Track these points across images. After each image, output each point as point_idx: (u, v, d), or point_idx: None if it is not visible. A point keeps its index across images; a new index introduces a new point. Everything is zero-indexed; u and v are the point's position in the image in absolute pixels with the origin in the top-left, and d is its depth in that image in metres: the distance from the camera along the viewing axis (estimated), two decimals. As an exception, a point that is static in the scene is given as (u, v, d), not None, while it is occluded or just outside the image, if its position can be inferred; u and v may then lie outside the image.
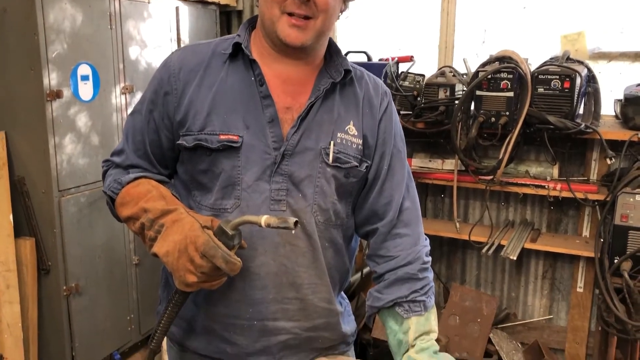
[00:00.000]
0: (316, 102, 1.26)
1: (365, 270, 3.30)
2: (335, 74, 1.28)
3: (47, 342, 2.58)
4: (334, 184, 1.29)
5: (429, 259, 1.39)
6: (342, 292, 1.50)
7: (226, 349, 1.34)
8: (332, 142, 1.27)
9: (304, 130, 1.26)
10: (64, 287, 2.53)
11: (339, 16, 1.28)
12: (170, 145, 1.31)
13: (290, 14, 1.17)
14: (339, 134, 1.28)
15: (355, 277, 3.28)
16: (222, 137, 1.23)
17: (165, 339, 1.48)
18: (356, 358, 1.51)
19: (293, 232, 1.15)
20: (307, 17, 1.17)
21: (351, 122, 1.30)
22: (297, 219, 1.11)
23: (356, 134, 1.31)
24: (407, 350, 1.30)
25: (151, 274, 2.98)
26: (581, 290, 3.00)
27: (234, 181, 1.25)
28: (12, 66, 2.41)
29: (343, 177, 1.30)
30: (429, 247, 1.41)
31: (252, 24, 1.31)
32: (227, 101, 1.25)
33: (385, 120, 1.34)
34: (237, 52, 1.27)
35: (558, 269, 3.16)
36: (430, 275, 1.38)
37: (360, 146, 1.31)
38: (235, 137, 1.23)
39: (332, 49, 1.31)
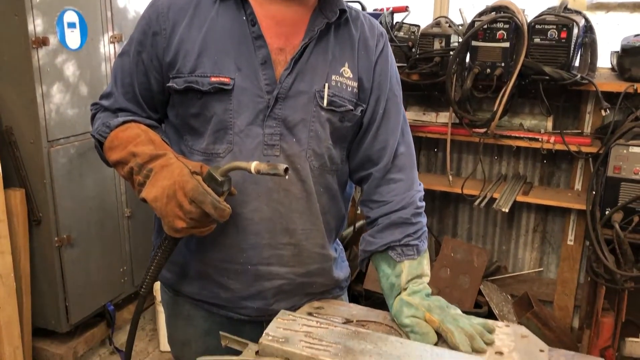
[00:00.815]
0: (310, 43, 1.23)
1: (358, 224, 3.31)
2: (329, 14, 1.24)
3: (40, 293, 2.59)
4: (329, 128, 1.27)
5: (423, 204, 1.38)
6: (338, 239, 1.50)
7: (220, 293, 1.34)
8: (326, 85, 1.24)
9: (297, 73, 1.23)
10: (56, 239, 2.52)
11: None
12: (160, 88, 1.28)
13: None
14: (333, 77, 1.25)
15: (348, 231, 3.30)
16: (213, 79, 1.20)
17: (160, 284, 1.49)
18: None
19: (286, 177, 1.13)
20: None
21: (346, 64, 1.27)
22: (287, 166, 1.09)
23: (351, 76, 1.28)
24: (400, 293, 1.30)
25: (144, 226, 2.97)
26: (572, 243, 3.02)
27: (226, 125, 1.22)
28: (-4, 12, 2.34)
29: (338, 121, 1.27)
30: (422, 192, 1.40)
31: None
32: (218, 42, 1.21)
33: (382, 63, 1.31)
34: None
35: (549, 222, 3.18)
36: (424, 220, 1.38)
37: (355, 89, 1.28)
38: (226, 80, 1.20)
39: None
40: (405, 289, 1.30)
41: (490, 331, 1.24)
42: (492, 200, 2.85)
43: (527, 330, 1.29)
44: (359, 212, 3.47)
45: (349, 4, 1.32)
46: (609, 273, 2.43)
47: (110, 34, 2.67)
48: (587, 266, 2.60)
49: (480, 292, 3.04)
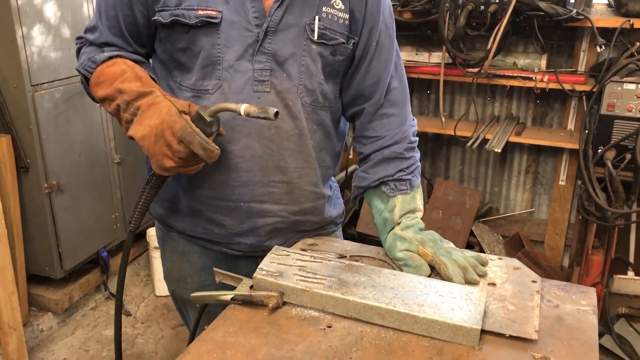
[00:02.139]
0: None
1: (350, 169, 3.30)
2: None
3: (32, 240, 2.58)
4: (320, 62, 1.23)
5: (416, 138, 1.37)
6: (333, 177, 1.48)
7: (214, 229, 1.33)
8: (317, 17, 1.20)
9: (287, 5, 1.18)
10: (45, 185, 2.50)
11: None
12: (146, 22, 1.23)
13: None
14: (324, 8, 1.21)
15: (340, 176, 3.29)
16: (200, 12, 1.16)
17: (155, 222, 1.48)
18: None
19: (275, 119, 1.10)
20: None
21: None
22: (277, 110, 1.07)
23: (342, 7, 1.23)
24: (393, 228, 1.30)
25: (134, 172, 2.95)
26: (563, 183, 3.03)
27: (214, 60, 1.19)
28: (-32, -51, 2.24)
29: (329, 54, 1.24)
30: (416, 127, 1.38)
31: None
32: None
33: None
34: None
35: (541, 163, 3.18)
36: (417, 155, 1.36)
37: (347, 21, 1.24)
38: (213, 12, 1.16)
39: None
40: (398, 224, 1.30)
41: (483, 264, 1.25)
42: (485, 141, 2.83)
43: (520, 262, 1.30)
44: (351, 156, 3.45)
45: None
46: (600, 211, 2.45)
47: (91, -28, 2.57)
48: (579, 205, 2.61)
49: (472, 233, 3.07)
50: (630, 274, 3.00)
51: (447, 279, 1.18)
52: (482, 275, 1.22)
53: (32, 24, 2.34)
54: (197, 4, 1.16)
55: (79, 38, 1.31)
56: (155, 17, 1.19)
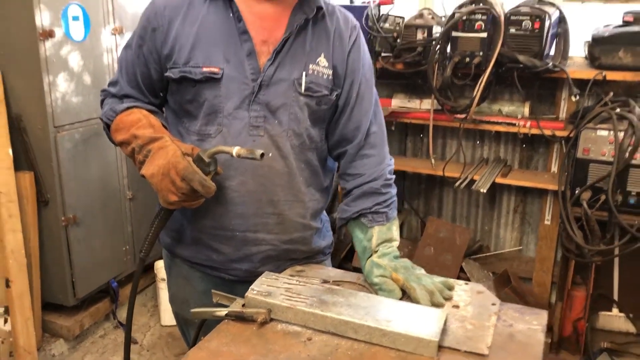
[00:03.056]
0: (290, 37, 1.40)
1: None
2: (308, 11, 1.41)
3: (49, 269, 2.78)
4: (307, 111, 1.44)
5: (392, 176, 1.56)
6: (324, 210, 1.66)
7: (213, 256, 1.52)
8: (304, 74, 1.41)
9: (279, 63, 1.39)
10: (62, 218, 2.70)
11: None
12: (159, 77, 1.45)
13: None
14: (310, 66, 1.42)
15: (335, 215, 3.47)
16: (204, 69, 1.37)
17: (163, 252, 1.67)
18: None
19: (262, 160, 1.30)
20: None
21: (322, 55, 1.44)
22: (263, 151, 1.28)
23: (327, 65, 1.44)
24: (371, 256, 1.48)
25: (144, 208, 3.15)
26: (548, 222, 3.20)
27: (216, 109, 1.40)
28: (5, 6, 2.50)
29: (315, 104, 1.45)
30: (392, 166, 1.57)
31: None
32: (209, 37, 1.38)
33: (354, 52, 1.48)
34: None
35: (528, 203, 3.36)
36: (393, 190, 1.55)
37: (330, 76, 1.45)
38: (216, 70, 1.37)
39: None
40: (376, 252, 1.48)
41: (450, 288, 1.42)
42: (473, 182, 3.02)
43: (483, 287, 1.47)
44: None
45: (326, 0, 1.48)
46: (578, 248, 2.61)
47: (112, 26, 2.84)
48: (560, 243, 2.77)
49: (462, 269, 3.22)
50: (615, 310, 3.14)
51: (415, 301, 1.35)
52: (448, 299, 1.39)
53: (58, 73, 2.59)
54: (202, 63, 1.37)
55: (103, 91, 1.54)
56: (167, 74, 1.41)
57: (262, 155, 1.28)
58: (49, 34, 2.51)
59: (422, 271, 1.46)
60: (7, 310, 2.54)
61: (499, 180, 3.03)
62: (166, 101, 1.51)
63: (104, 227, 2.95)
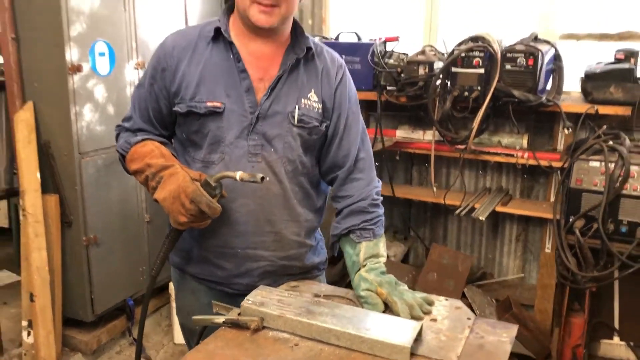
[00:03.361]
0: (283, 75, 1.58)
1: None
2: (299, 51, 1.59)
3: (70, 286, 2.96)
4: (299, 140, 1.61)
5: (379, 197, 1.71)
6: (319, 229, 1.82)
7: (217, 272, 1.68)
8: (297, 107, 1.59)
9: (274, 98, 1.57)
10: (84, 238, 2.90)
11: (300, 3, 1.58)
12: (168, 112, 1.64)
13: (259, 2, 1.47)
14: (302, 100, 1.60)
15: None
16: (208, 104, 1.55)
17: (171, 269, 1.83)
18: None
19: (262, 183, 1.47)
20: (272, 5, 1.47)
21: (312, 90, 1.61)
22: (263, 175, 1.45)
23: (317, 99, 1.62)
24: (359, 270, 1.62)
25: (161, 230, 3.33)
26: (549, 250, 3.28)
27: (219, 139, 1.58)
28: (39, 43, 2.75)
29: (307, 134, 1.62)
30: (379, 188, 1.73)
31: (230, 9, 1.62)
32: (212, 75, 1.57)
33: (341, 88, 1.66)
34: (218, 35, 1.58)
35: (530, 232, 3.46)
36: (380, 210, 1.70)
37: (320, 110, 1.62)
38: (219, 104, 1.55)
39: (298, 30, 1.62)
40: (364, 266, 1.62)
41: (430, 303, 1.55)
42: (474, 210, 3.14)
43: (462, 303, 1.60)
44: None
45: (314, 40, 1.67)
46: (572, 275, 2.71)
47: (135, 61, 3.07)
48: (557, 270, 2.87)
49: (464, 295, 3.32)
50: (616, 339, 3.20)
51: (396, 314, 1.49)
52: (427, 313, 1.52)
53: (84, 104, 2.82)
54: (206, 98, 1.55)
55: (117, 126, 1.72)
56: (175, 108, 1.59)
57: (263, 178, 1.45)
58: (77, 69, 2.74)
59: (405, 287, 1.59)
60: (30, 324, 2.72)
61: (499, 208, 3.15)
62: (174, 133, 1.69)
63: (122, 247, 3.13)
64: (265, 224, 1.63)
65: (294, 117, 1.58)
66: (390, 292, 1.53)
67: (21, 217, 2.76)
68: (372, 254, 1.63)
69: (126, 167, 1.66)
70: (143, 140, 1.62)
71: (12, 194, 3.05)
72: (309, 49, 1.60)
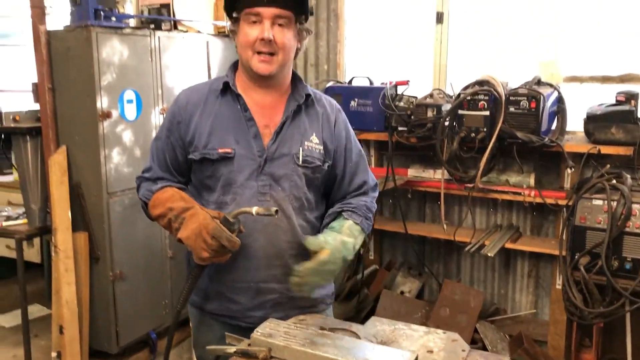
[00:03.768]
0: (287, 120, 1.75)
1: (367, 270, 3.74)
2: (299, 98, 1.77)
3: (96, 319, 3.13)
4: (304, 179, 1.77)
5: (372, 211, 1.86)
6: None
7: (232, 306, 1.81)
8: (300, 149, 1.75)
9: (279, 142, 1.74)
10: (111, 274, 3.07)
11: (297, 52, 1.76)
12: (184, 159, 1.80)
13: (259, 53, 1.65)
14: (305, 143, 1.76)
15: (359, 276, 3.72)
16: (220, 150, 1.72)
17: (188, 306, 1.97)
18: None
19: (277, 216, 1.62)
20: (271, 54, 1.65)
21: (314, 134, 1.78)
22: (277, 208, 1.60)
23: (318, 142, 1.78)
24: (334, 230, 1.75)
25: (183, 266, 3.47)
26: (559, 287, 3.35)
27: (230, 182, 1.74)
28: (72, 92, 2.98)
29: (311, 173, 1.77)
30: (373, 210, 1.88)
31: (236, 65, 1.80)
32: (222, 125, 1.74)
33: (339, 129, 1.83)
34: (227, 89, 1.76)
35: (541, 268, 3.53)
36: (368, 223, 1.83)
37: (321, 150, 1.78)
38: (229, 150, 1.72)
39: (297, 80, 1.81)
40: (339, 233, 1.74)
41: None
42: (483, 246, 3.23)
43: (459, 336, 1.71)
44: (371, 257, 3.90)
45: (312, 88, 1.85)
46: (580, 311, 2.77)
47: (160, 107, 3.29)
48: (565, 305, 2.93)
49: (477, 330, 3.38)
50: (630, 376, 3.21)
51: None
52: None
53: (113, 147, 3.03)
54: (218, 146, 1.72)
55: (138, 177, 1.88)
56: (190, 156, 1.76)
57: (277, 211, 1.59)
58: (107, 115, 2.96)
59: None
60: (59, 355, 2.87)
61: (509, 245, 3.24)
62: (190, 180, 1.86)
63: (146, 282, 3.29)
64: (275, 258, 1.76)
65: (298, 158, 1.74)
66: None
67: (53, 253, 2.95)
68: (351, 234, 1.74)
69: (149, 214, 1.82)
70: (163, 187, 1.78)
71: (46, 231, 3.25)
72: (307, 95, 1.78)
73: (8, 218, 3.36)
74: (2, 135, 3.33)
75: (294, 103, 1.76)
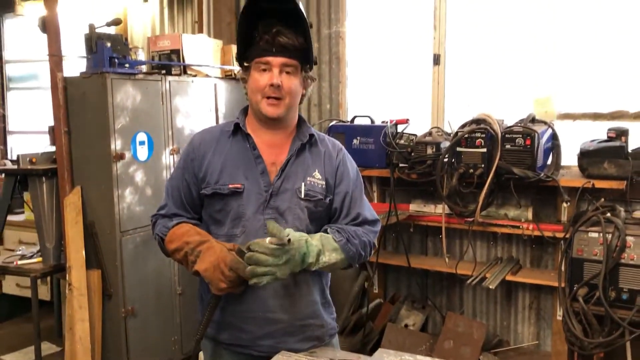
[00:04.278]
0: (291, 158, 1.88)
1: (372, 304, 3.82)
2: (303, 138, 1.91)
3: (108, 354, 3.20)
4: (307, 212, 1.88)
5: (367, 251, 1.91)
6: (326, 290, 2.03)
7: (242, 336, 1.90)
8: (303, 184, 1.87)
9: (284, 178, 1.86)
10: (123, 310, 3.16)
11: (303, 98, 1.90)
12: (197, 196, 1.92)
13: (268, 97, 1.79)
14: (308, 178, 1.88)
15: (364, 310, 3.79)
16: (230, 186, 1.84)
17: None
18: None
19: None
20: (278, 98, 1.80)
21: (316, 170, 1.90)
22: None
23: (320, 178, 1.91)
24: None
25: (192, 302, 3.57)
26: (560, 318, 3.42)
27: (240, 215, 1.85)
28: (88, 135, 3.13)
29: (313, 207, 1.89)
30: (372, 247, 1.94)
31: (246, 110, 1.94)
32: (232, 162, 1.87)
33: (341, 168, 1.94)
34: (237, 130, 1.90)
35: (542, 300, 3.61)
36: (359, 249, 1.87)
37: (323, 186, 1.91)
38: (239, 185, 1.84)
39: (301, 122, 1.94)
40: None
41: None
42: (485, 279, 3.32)
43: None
44: (376, 290, 3.98)
45: (315, 130, 1.97)
46: (580, 341, 2.84)
47: (171, 147, 3.42)
48: (565, 336, 3.00)
49: (480, 362, 3.44)
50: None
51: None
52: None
53: (125, 187, 3.16)
54: (228, 181, 1.84)
55: (153, 215, 1.99)
56: (202, 192, 1.89)
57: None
58: (120, 157, 3.09)
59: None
60: (72, 391, 2.94)
61: (509, 277, 3.33)
62: (202, 217, 1.97)
63: (156, 318, 3.37)
64: (280, 288, 1.86)
65: (301, 192, 1.86)
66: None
67: (67, 291, 3.05)
68: (328, 248, 1.78)
69: (165, 249, 1.92)
70: (179, 223, 1.89)
71: (60, 269, 3.35)
72: (311, 135, 1.91)
73: (23, 257, 3.47)
74: (18, 177, 3.45)
75: (299, 142, 1.89)
